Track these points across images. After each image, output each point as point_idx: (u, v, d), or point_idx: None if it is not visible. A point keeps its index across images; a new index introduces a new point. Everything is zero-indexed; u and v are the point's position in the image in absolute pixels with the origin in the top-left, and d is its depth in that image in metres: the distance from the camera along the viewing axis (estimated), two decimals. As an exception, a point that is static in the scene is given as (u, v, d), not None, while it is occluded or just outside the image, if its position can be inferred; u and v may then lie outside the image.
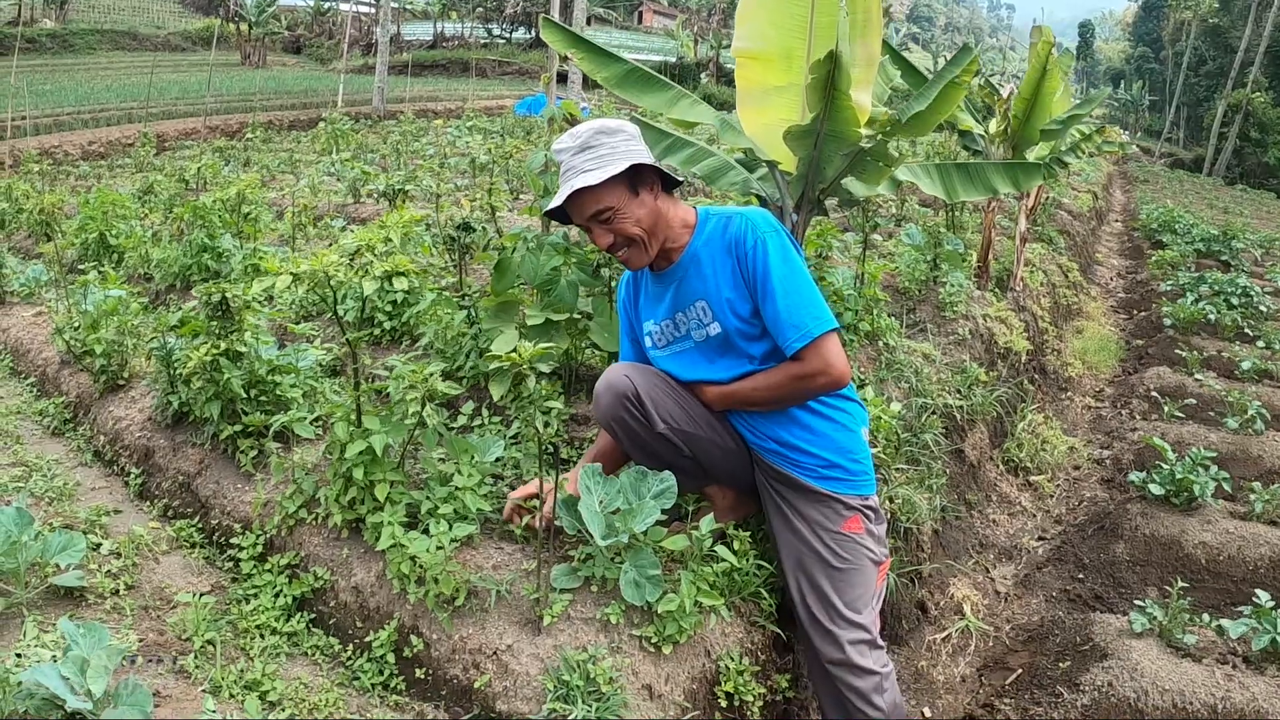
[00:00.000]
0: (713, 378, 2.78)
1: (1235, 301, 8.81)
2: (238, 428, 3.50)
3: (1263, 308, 8.86)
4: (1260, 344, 7.74)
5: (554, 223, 3.79)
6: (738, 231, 2.68)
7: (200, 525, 3.40)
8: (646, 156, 2.64)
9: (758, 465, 2.86)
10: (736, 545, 2.74)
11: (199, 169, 9.84)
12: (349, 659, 2.72)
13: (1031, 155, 7.24)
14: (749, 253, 2.64)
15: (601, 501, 2.54)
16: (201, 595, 2.88)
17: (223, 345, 3.47)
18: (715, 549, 2.67)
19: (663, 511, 2.57)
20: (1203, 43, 52.37)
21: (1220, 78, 48.07)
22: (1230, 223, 15.09)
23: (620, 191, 2.59)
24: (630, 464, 2.88)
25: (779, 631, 2.87)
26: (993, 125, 7.17)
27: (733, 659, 2.60)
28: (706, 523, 2.66)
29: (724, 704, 2.57)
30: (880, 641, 2.68)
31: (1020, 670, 3.72)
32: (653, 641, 2.48)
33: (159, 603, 2.85)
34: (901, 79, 5.96)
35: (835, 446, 2.75)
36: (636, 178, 2.62)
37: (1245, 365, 6.89)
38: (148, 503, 3.65)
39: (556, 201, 2.60)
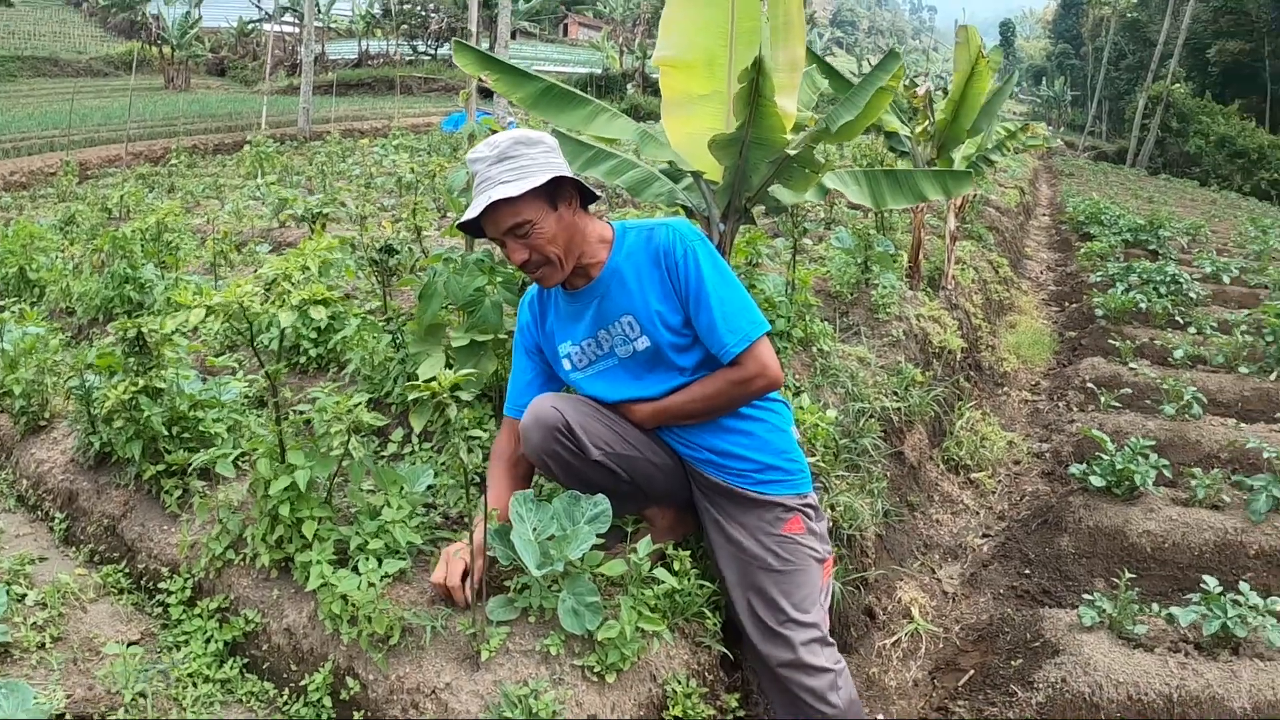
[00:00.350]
0: (642, 394, 2.72)
1: (1165, 289, 8.96)
2: (160, 467, 3.37)
3: (1192, 294, 9.02)
4: (1191, 330, 7.87)
5: (479, 241, 3.72)
6: (665, 242, 2.62)
7: (127, 570, 3.26)
8: (566, 169, 2.57)
9: (693, 478, 2.81)
10: (677, 565, 2.68)
11: (122, 197, 9.61)
12: (285, 704, 2.61)
13: (958, 154, 7.31)
14: (679, 262, 2.59)
15: (535, 529, 2.46)
16: (130, 645, 2.74)
17: (141, 382, 3.34)
18: (655, 572, 2.61)
19: (600, 535, 2.50)
20: (1122, 37, 53.64)
21: (1140, 71, 49.23)
22: (1156, 212, 15.42)
23: (539, 205, 2.51)
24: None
25: (725, 651, 2.81)
26: (918, 126, 7.22)
27: (679, 682, 2.54)
28: (644, 545, 2.60)
29: (672, 729, 2.51)
30: (830, 639, 2.66)
31: (972, 671, 3.71)
32: (595, 671, 2.41)
33: (87, 654, 2.71)
34: (829, 85, 5.97)
35: (771, 448, 2.73)
36: (556, 192, 2.54)
37: (1178, 352, 7.00)
38: (73, 548, 3.49)
39: (472, 213, 2.50)
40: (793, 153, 3.48)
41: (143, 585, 3.18)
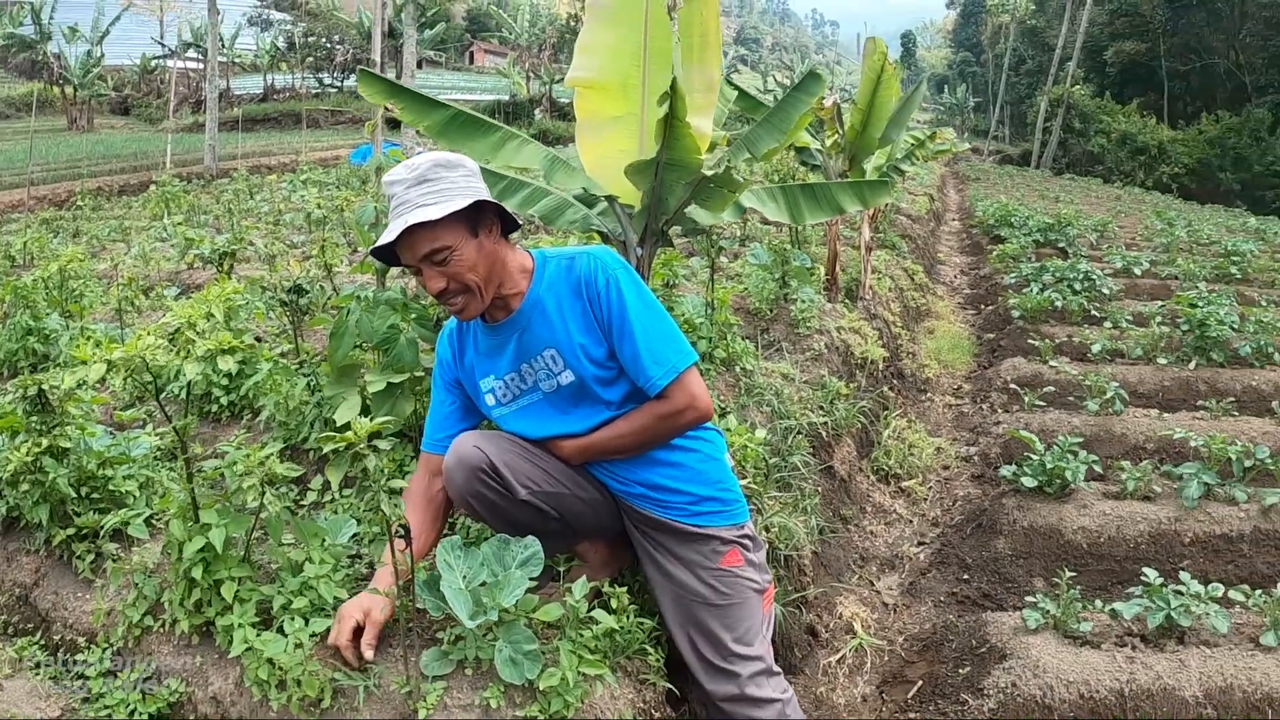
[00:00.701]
0: (568, 430, 2.63)
1: (1079, 286, 9.14)
2: (71, 531, 3.18)
3: (1105, 290, 9.22)
4: (1108, 325, 8.04)
5: (392, 276, 3.60)
6: (585, 271, 2.54)
7: (43, 642, 3.05)
8: (487, 194, 2.47)
9: (625, 513, 2.74)
10: (614, 603, 2.59)
11: (25, 244, 9.25)
12: (215, 778, 2.48)
13: (869, 165, 7.38)
14: (601, 292, 2.51)
15: (465, 576, 2.36)
16: (50, 724, 2.58)
17: (45, 442, 3.16)
18: (593, 612, 2.53)
19: (531, 579, 2.42)
20: (1021, 44, 55.16)
21: (1040, 75, 50.65)
22: (1063, 211, 15.79)
23: (459, 231, 2.39)
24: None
25: (670, 686, 2.74)
26: (828, 139, 7.28)
27: (626, 723, 2.46)
28: (580, 586, 2.51)
29: (622, 772, 2.43)
30: (776, 668, 2.62)
31: (920, 682, 3.70)
32: (539, 721, 2.32)
33: (4, 737, 2.55)
34: (736, 103, 5.97)
35: (704, 479, 2.66)
36: (477, 218, 2.43)
37: (1096, 348, 7.13)
38: (-15, 622, 3.29)
39: (389, 237, 2.37)
40: (709, 173, 3.45)
41: (59, 657, 2.98)
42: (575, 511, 2.66)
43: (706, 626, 2.56)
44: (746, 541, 2.70)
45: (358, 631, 2.44)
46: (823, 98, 5.94)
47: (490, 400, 2.71)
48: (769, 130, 3.62)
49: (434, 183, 2.38)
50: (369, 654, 2.43)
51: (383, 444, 2.13)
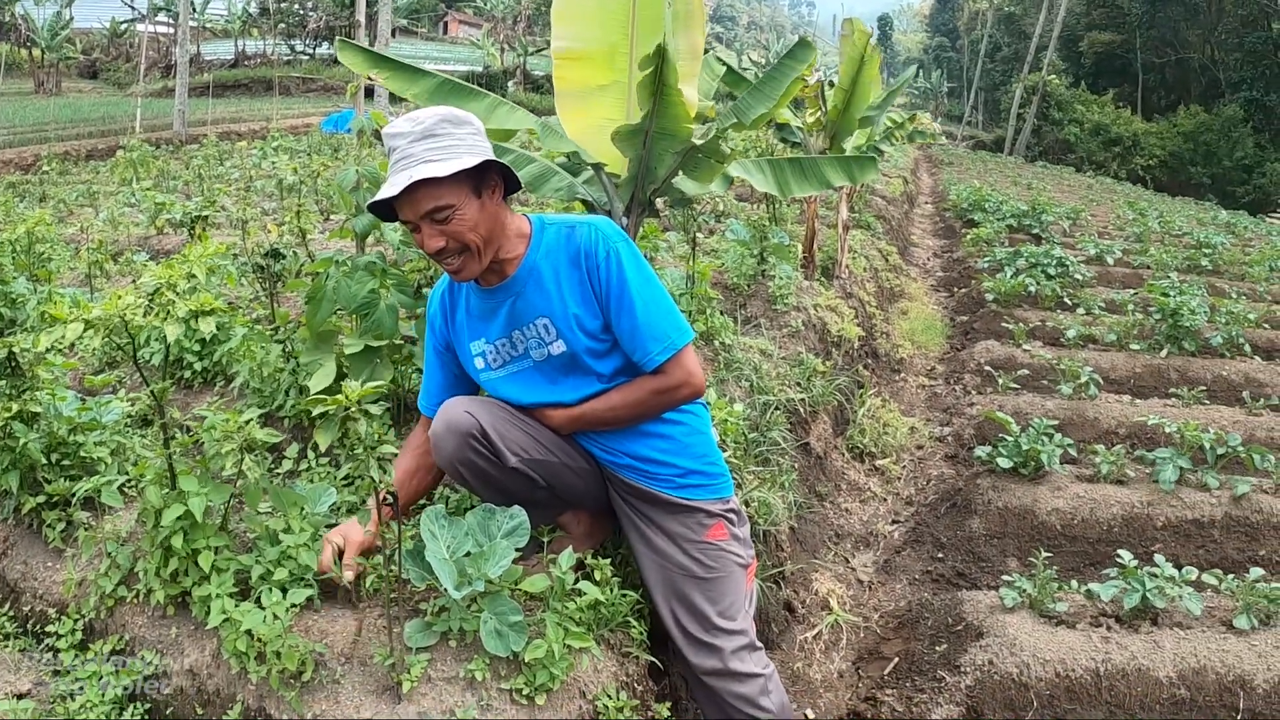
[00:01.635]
0: (557, 400, 2.60)
1: (1052, 272, 9.20)
2: (41, 498, 3.10)
3: (1078, 276, 9.29)
4: (1081, 311, 8.09)
5: (370, 242, 3.54)
6: (586, 241, 2.49)
7: (12, 614, 2.97)
8: (493, 154, 2.41)
9: (611, 483, 2.71)
10: (599, 575, 2.57)
11: (-10, 208, 9.10)
12: (193, 752, 2.42)
13: (849, 144, 7.37)
14: (600, 264, 2.46)
15: (449, 546, 2.33)
16: (20, 697, 2.52)
17: (15, 407, 3.07)
18: (578, 585, 2.51)
19: (516, 549, 2.39)
20: (998, 30, 55.36)
21: (1015, 63, 50.89)
22: (1037, 197, 15.87)
23: (463, 190, 2.33)
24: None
25: (653, 659, 2.72)
26: (809, 116, 7.25)
27: (610, 696, 2.43)
28: (566, 557, 2.48)
29: (606, 745, 2.41)
30: (758, 644, 2.61)
31: (897, 659, 3.71)
32: (524, 693, 2.28)
33: (-28, 711, 2.48)
34: (724, 79, 5.92)
35: (690, 452, 2.64)
36: (481, 178, 2.37)
37: (1070, 333, 7.17)
38: (-46, 593, 3.21)
39: (393, 190, 2.28)
40: (699, 142, 3.40)
41: (30, 629, 2.91)
42: (564, 480, 2.64)
43: (690, 599, 2.54)
44: (731, 515, 2.68)
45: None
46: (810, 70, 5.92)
47: (480, 363, 2.67)
48: (759, 98, 3.58)
49: (440, 138, 2.31)
50: (349, 575, 2.45)
51: (373, 409, 2.08)
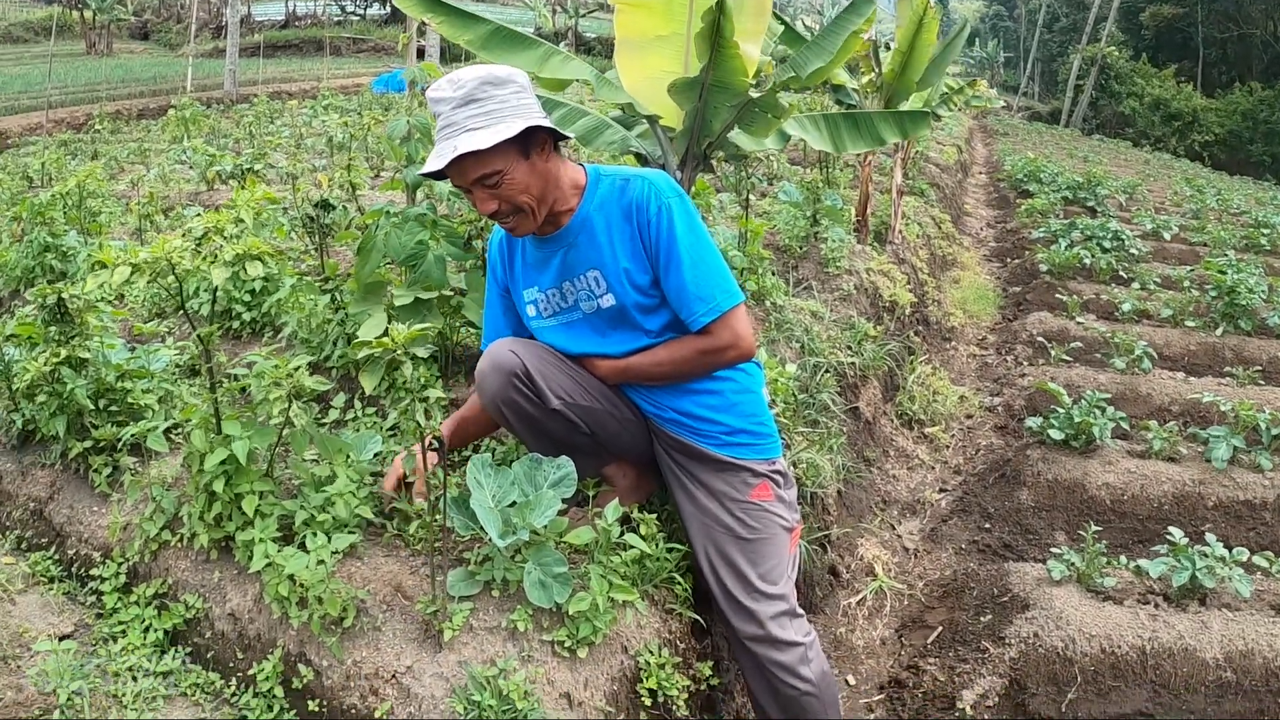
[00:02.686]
0: (604, 351, 2.58)
1: (1108, 245, 8.99)
2: (88, 444, 3.11)
3: (1134, 250, 9.08)
4: (1135, 285, 7.90)
5: (419, 192, 3.51)
6: (639, 195, 2.45)
7: (57, 557, 3.00)
8: (538, 112, 2.36)
9: (657, 437, 2.68)
10: (644, 529, 2.54)
11: (43, 164, 9.17)
12: (233, 696, 2.41)
13: (904, 108, 7.22)
14: (652, 219, 2.42)
15: (494, 495, 2.30)
16: (63, 638, 2.52)
17: (63, 353, 3.08)
18: (623, 537, 2.47)
19: (563, 500, 2.36)
20: (1056, 1, 54.16)
21: (1073, 34, 49.77)
22: (1091, 170, 15.53)
23: (510, 154, 2.29)
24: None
25: (696, 617, 2.69)
26: (865, 78, 7.12)
27: (652, 653, 2.41)
28: (612, 510, 2.45)
29: (647, 701, 2.37)
30: (800, 610, 2.56)
31: (940, 628, 3.66)
32: (566, 646, 2.27)
33: (18, 651, 2.48)
34: (781, 38, 5.81)
35: (739, 411, 2.60)
36: (528, 138, 2.33)
37: (1125, 307, 7.01)
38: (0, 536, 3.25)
39: (437, 164, 2.27)
40: (756, 95, 3.32)
41: (74, 573, 2.94)
42: (606, 428, 2.62)
43: (733, 560, 2.50)
44: (778, 477, 2.64)
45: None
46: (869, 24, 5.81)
47: (531, 311, 2.66)
48: (816, 52, 3.48)
49: (482, 102, 2.27)
50: (419, 501, 2.51)
51: (420, 351, 2.05)
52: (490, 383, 2.49)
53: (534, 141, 2.35)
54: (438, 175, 2.42)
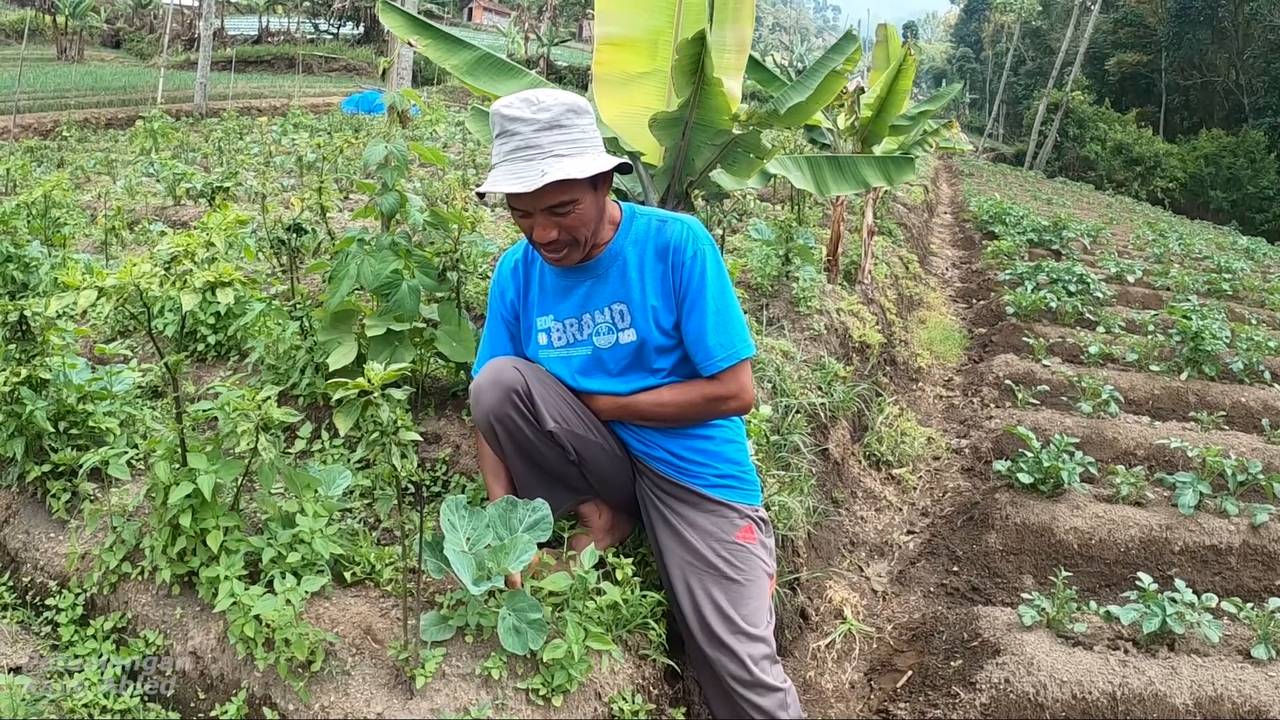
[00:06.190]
0: (611, 390, 2.57)
1: (1073, 288, 9.10)
2: (46, 467, 3.01)
3: (1099, 294, 9.19)
4: (1101, 329, 7.99)
5: (395, 221, 3.46)
6: (676, 237, 2.47)
7: (12, 584, 2.88)
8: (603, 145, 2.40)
9: (642, 475, 2.68)
10: (620, 575, 2.50)
11: (8, 171, 9.02)
12: (194, 738, 2.34)
13: (878, 150, 7.28)
14: (686, 262, 2.45)
15: (469, 538, 2.24)
16: (15, 671, 2.42)
17: (23, 372, 2.99)
18: (599, 584, 2.43)
19: (538, 544, 2.31)
20: (1024, 44, 55.16)
21: (1039, 77, 50.75)
22: (1057, 213, 15.74)
23: (585, 185, 2.32)
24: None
25: (670, 663, 2.64)
26: (841, 119, 7.16)
27: (625, 699, 2.36)
28: (588, 555, 2.41)
29: (619, 749, 2.33)
30: (777, 656, 2.54)
31: (910, 672, 3.64)
32: (541, 694, 2.21)
33: (-33, 683, 2.39)
34: (749, 73, 5.83)
35: (726, 457, 2.63)
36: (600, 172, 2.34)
37: (1092, 350, 7.08)
38: (-46, 562, 3.12)
39: (528, 187, 2.20)
40: (739, 133, 3.31)
41: (28, 600, 2.83)
42: (595, 459, 2.60)
43: (717, 600, 2.47)
44: (761, 523, 2.67)
45: None
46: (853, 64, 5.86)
47: (542, 339, 2.65)
48: (798, 90, 3.49)
49: (568, 129, 2.28)
50: None
51: (397, 393, 1.99)
52: (488, 397, 2.48)
53: (603, 175, 2.38)
54: (480, 195, 2.40)
